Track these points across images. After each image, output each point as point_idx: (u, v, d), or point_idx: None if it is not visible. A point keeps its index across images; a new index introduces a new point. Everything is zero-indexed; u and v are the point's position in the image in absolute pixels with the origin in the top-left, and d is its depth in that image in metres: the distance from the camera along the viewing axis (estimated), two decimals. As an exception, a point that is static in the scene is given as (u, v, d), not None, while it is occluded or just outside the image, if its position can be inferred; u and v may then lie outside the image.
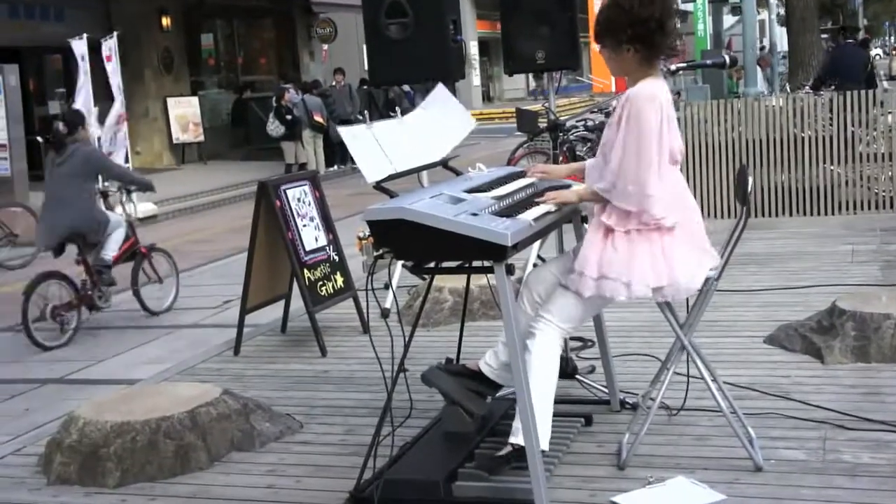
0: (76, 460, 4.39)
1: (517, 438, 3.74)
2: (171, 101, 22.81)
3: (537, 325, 3.86)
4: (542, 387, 3.76)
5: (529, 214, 3.74)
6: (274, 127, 20.07)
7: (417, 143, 4.32)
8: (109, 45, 15.18)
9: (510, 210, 3.80)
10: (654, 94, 3.74)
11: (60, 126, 8.47)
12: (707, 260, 3.94)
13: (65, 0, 20.21)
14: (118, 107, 15.20)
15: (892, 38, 52.80)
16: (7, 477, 4.55)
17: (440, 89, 4.97)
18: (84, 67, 15.01)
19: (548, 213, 3.87)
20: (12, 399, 6.80)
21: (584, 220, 4.31)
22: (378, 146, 3.99)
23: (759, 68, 20.20)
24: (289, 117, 19.87)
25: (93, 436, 4.41)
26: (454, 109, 4.90)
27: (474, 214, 3.56)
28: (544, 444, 3.72)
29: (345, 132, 3.94)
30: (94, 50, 15.14)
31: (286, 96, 19.99)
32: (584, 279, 3.81)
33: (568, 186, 4.21)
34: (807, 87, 13.09)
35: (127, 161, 15.35)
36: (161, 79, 22.96)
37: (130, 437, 4.37)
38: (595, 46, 3.97)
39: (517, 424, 3.74)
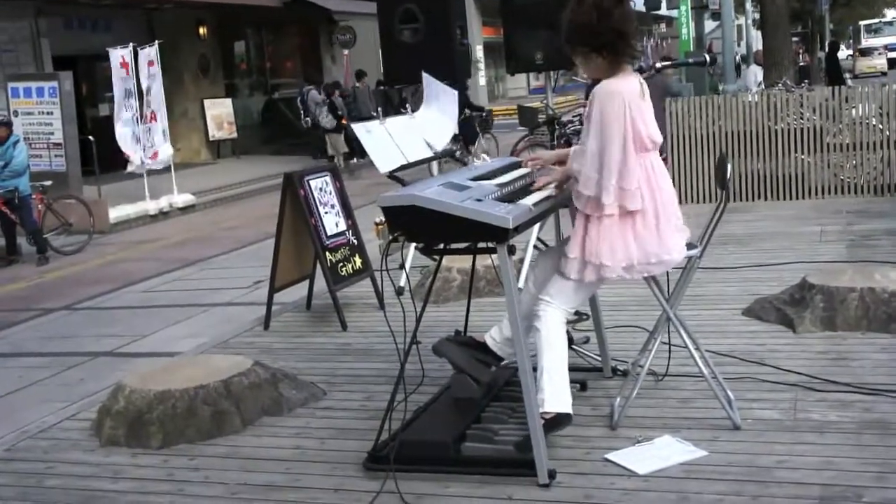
0: (124, 424, 4.38)
1: (545, 406, 3.66)
2: (207, 103, 22.79)
3: (541, 308, 3.78)
4: (556, 360, 3.71)
5: (529, 200, 3.70)
6: (328, 119, 19.89)
7: (426, 134, 4.28)
8: (148, 53, 15.15)
9: (511, 196, 3.74)
10: (613, 90, 3.66)
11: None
12: (680, 238, 3.86)
13: (112, 13, 20.19)
14: (146, 107, 15.20)
15: (853, 41, 52.37)
16: (64, 439, 4.55)
17: (427, 79, 4.92)
18: (121, 74, 15.01)
19: (546, 198, 3.82)
20: (69, 370, 6.83)
21: None
22: (391, 139, 3.95)
23: (757, 66, 19.81)
24: (340, 113, 19.74)
25: (138, 403, 4.40)
26: (444, 92, 4.87)
27: (479, 200, 3.51)
28: (567, 408, 3.69)
29: (358, 128, 3.90)
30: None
31: (337, 92, 19.71)
32: (571, 262, 3.77)
33: None
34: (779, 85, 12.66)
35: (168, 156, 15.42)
36: (198, 82, 22.93)
37: (171, 404, 4.36)
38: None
39: (542, 396, 3.66)
